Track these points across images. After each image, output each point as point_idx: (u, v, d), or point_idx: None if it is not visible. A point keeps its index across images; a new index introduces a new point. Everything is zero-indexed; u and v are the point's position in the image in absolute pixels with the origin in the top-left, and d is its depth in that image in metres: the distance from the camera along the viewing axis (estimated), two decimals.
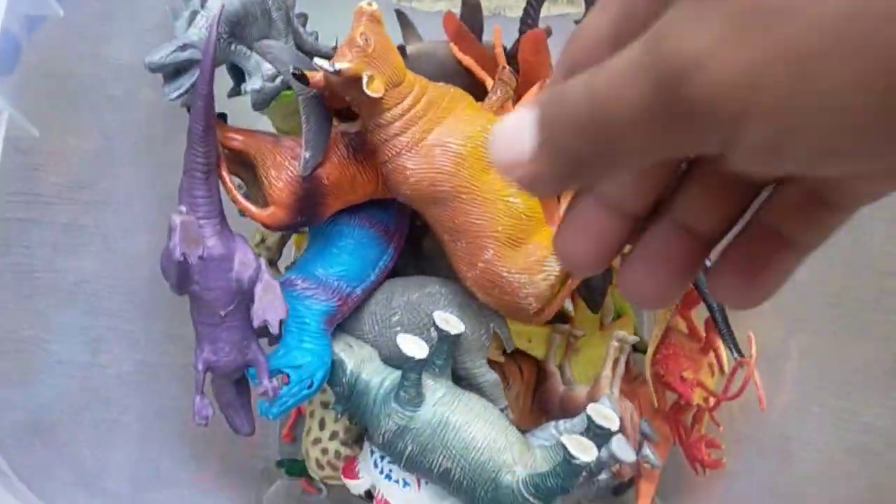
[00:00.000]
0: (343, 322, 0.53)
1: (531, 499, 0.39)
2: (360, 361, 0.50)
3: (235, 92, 0.51)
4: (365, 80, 0.44)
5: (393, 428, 0.38)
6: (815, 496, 0.46)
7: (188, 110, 0.48)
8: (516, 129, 0.19)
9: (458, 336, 0.48)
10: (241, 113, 0.51)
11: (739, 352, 0.50)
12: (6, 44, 0.31)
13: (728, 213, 0.20)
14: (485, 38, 0.54)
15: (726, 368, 0.52)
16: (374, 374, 0.46)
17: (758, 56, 0.14)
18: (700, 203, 0.20)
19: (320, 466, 0.60)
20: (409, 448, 0.38)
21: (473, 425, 0.40)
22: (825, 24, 0.14)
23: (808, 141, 0.15)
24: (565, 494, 0.42)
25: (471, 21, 0.52)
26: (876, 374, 0.46)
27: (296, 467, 0.66)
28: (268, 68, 0.49)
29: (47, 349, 0.44)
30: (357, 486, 0.57)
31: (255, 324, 0.44)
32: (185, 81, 0.45)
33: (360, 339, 0.53)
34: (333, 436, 0.60)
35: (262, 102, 0.50)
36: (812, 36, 0.14)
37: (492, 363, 0.54)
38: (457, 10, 0.54)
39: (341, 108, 0.51)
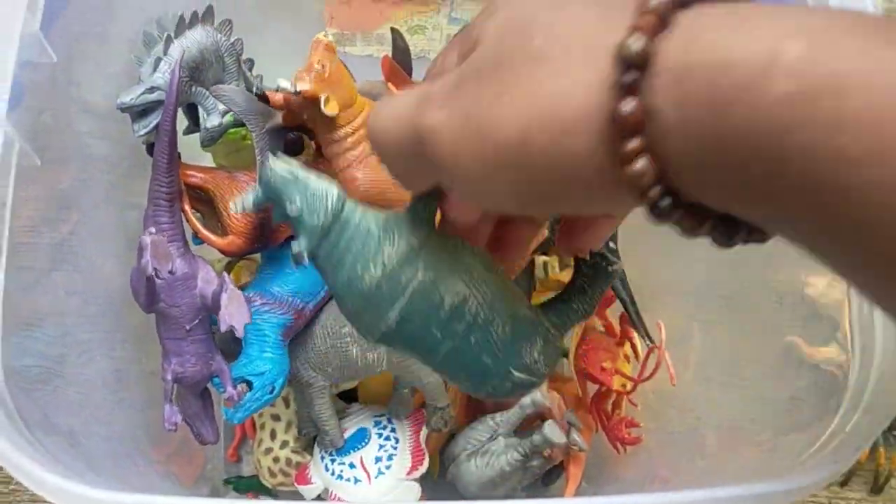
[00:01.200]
0: (296, 335, 0.58)
1: (552, 328, 0.35)
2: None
3: (191, 130, 0.57)
4: (322, 100, 0.50)
5: (402, 251, 0.30)
6: (721, 459, 0.53)
7: (147, 149, 0.53)
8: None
9: None
10: (186, 151, 0.56)
11: (651, 339, 0.57)
12: (15, 89, 0.37)
13: None
14: (414, 76, 0.61)
15: (640, 355, 0.59)
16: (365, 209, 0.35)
17: (462, 143, 0.23)
18: None
19: (273, 475, 0.65)
20: (419, 277, 0.30)
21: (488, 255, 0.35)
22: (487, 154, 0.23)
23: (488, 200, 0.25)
24: (584, 320, 0.40)
25: (401, 62, 0.60)
26: (767, 354, 0.53)
27: (243, 484, 0.70)
28: (222, 108, 0.55)
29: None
30: (310, 491, 0.62)
31: (222, 329, 0.49)
32: (153, 120, 0.50)
33: (312, 351, 0.58)
34: (284, 445, 0.65)
35: (212, 140, 0.56)
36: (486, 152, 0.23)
37: None
38: (386, 55, 0.61)
39: (296, 126, 0.57)
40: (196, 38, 0.53)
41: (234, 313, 0.49)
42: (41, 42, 0.41)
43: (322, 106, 0.49)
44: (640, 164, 0.20)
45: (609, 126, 0.20)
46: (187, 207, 0.53)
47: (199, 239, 0.56)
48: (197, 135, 0.56)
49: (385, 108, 0.27)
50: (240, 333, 0.50)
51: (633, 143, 0.20)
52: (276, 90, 0.51)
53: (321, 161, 0.56)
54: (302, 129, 0.57)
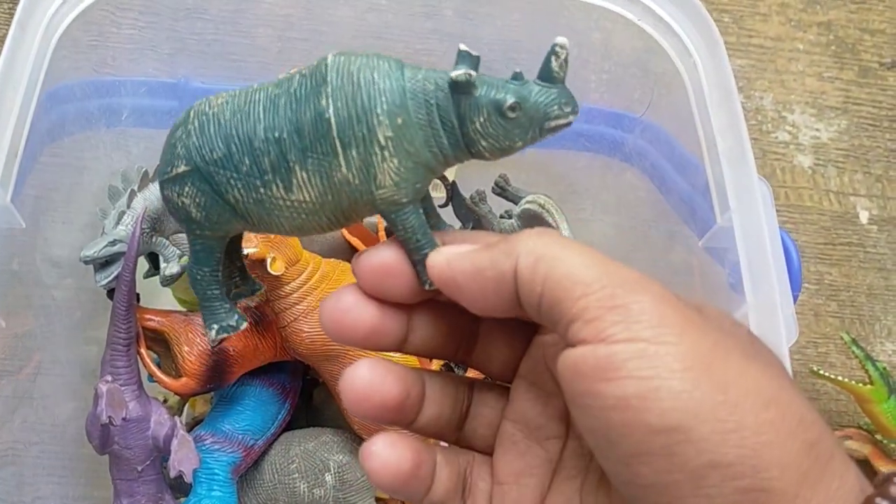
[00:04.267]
0: (245, 471, 0.60)
1: None
2: None
3: (152, 273, 0.60)
4: (269, 261, 0.53)
5: None
6: None
7: (107, 294, 0.56)
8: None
9: None
10: (147, 284, 0.59)
11: None
12: None
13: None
14: (369, 220, 0.65)
15: None
16: None
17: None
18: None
19: None
20: None
21: None
22: None
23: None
24: None
25: None
26: None
27: None
28: (180, 254, 0.58)
29: None
30: None
31: (172, 474, 0.51)
32: (114, 270, 0.53)
33: (260, 488, 0.60)
34: None
35: (172, 281, 0.59)
36: None
37: (380, 500, 0.62)
38: None
39: None
40: (158, 191, 0.57)
41: (183, 459, 0.51)
42: (12, 212, 0.44)
43: (268, 266, 0.53)
44: None
45: None
46: (143, 351, 0.56)
47: None
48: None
49: None
50: (188, 479, 0.52)
51: None
52: None
53: (265, 322, 0.59)
54: None
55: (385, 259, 0.29)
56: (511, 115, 0.28)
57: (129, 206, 0.55)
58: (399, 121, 0.28)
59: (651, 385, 0.22)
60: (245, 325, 0.35)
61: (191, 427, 0.65)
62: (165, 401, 0.68)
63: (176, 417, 0.54)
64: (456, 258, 0.28)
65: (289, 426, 0.63)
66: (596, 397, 0.23)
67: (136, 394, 0.54)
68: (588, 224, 0.67)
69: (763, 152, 0.84)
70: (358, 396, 0.29)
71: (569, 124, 0.28)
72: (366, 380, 0.29)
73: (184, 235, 0.58)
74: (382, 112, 0.28)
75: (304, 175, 0.29)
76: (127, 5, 0.56)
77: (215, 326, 0.34)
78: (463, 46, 0.28)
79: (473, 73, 0.27)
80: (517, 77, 0.28)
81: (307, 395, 0.67)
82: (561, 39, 0.28)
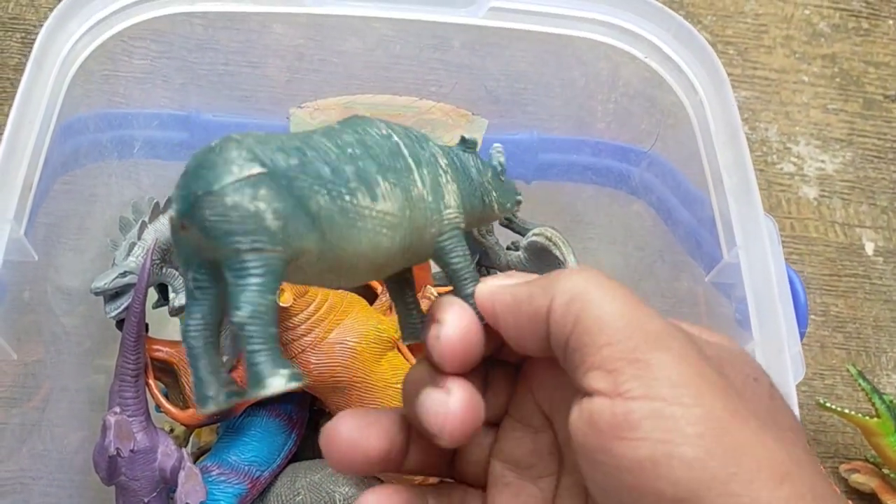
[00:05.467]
0: (251, 503, 0.60)
1: None
2: None
3: (161, 304, 0.60)
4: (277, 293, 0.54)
5: None
6: None
7: (117, 325, 0.56)
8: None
9: None
10: (156, 313, 0.59)
11: None
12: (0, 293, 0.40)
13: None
14: None
15: None
16: None
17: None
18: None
19: None
20: None
21: None
22: None
23: None
24: None
25: None
26: None
27: None
28: None
29: None
30: None
31: None
32: (124, 301, 0.54)
33: None
34: None
35: (180, 311, 0.59)
36: None
37: None
38: None
39: None
40: (168, 223, 0.57)
41: (190, 491, 0.51)
42: (25, 245, 0.44)
43: (277, 299, 0.53)
44: None
45: None
46: (151, 381, 0.56)
47: None
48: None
49: None
50: None
51: None
52: None
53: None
54: None
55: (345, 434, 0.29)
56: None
57: (139, 238, 0.55)
58: (446, 159, 0.30)
59: (665, 450, 0.22)
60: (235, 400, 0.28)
61: (197, 456, 0.65)
62: (171, 430, 0.68)
63: (183, 449, 0.54)
64: (499, 290, 0.28)
65: (295, 457, 0.63)
66: (611, 456, 0.23)
67: (143, 425, 0.54)
68: (594, 254, 0.68)
69: (768, 183, 0.84)
70: (340, 453, 0.29)
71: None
72: (344, 435, 0.29)
73: None
74: (434, 146, 0.30)
75: (388, 185, 0.28)
76: (139, 35, 0.56)
77: (200, 404, 0.27)
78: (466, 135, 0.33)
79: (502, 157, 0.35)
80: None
81: (313, 425, 0.67)
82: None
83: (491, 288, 0.28)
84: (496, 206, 0.31)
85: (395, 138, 0.29)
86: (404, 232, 0.28)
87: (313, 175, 0.26)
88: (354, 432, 0.29)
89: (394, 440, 0.29)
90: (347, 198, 0.26)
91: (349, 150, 0.27)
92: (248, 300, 0.25)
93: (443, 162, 0.30)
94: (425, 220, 0.29)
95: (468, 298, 0.29)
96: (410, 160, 0.28)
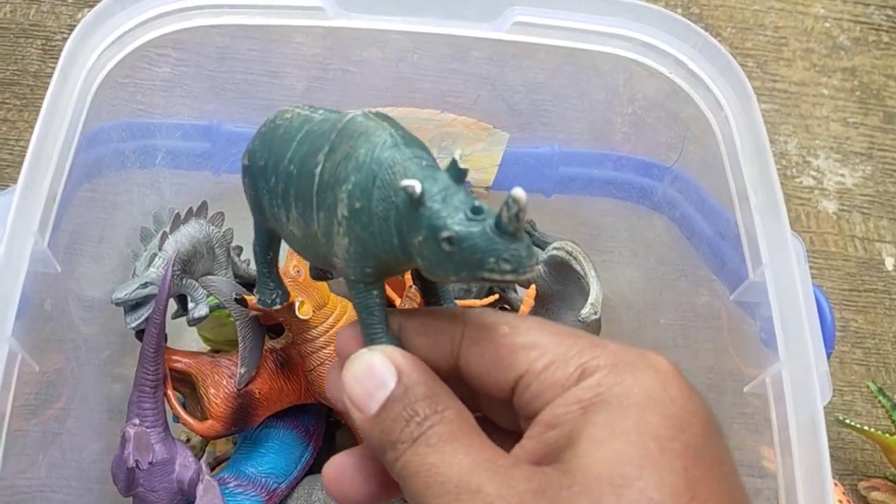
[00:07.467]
0: None
1: None
2: None
3: (180, 314, 0.60)
4: (297, 305, 0.53)
5: None
6: None
7: (136, 335, 0.56)
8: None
9: None
10: (174, 324, 0.59)
11: None
12: (23, 305, 0.40)
13: None
14: None
15: None
16: None
17: None
18: None
19: None
20: None
21: None
22: None
23: None
24: None
25: None
26: None
27: None
28: (209, 295, 0.58)
29: None
30: None
31: None
32: (144, 312, 0.53)
33: None
34: None
35: (199, 322, 0.59)
36: None
37: None
38: None
39: (272, 325, 0.61)
40: (189, 233, 0.57)
41: None
42: (49, 257, 0.44)
43: (296, 310, 0.53)
44: None
45: None
46: (170, 392, 0.56)
47: None
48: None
49: None
50: None
51: None
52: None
53: (291, 364, 0.59)
54: (276, 328, 0.60)
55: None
56: (446, 247, 0.24)
57: (160, 249, 0.55)
58: (357, 205, 0.27)
59: None
60: (277, 306, 0.38)
61: (213, 467, 0.65)
62: (188, 440, 0.68)
63: (201, 461, 0.54)
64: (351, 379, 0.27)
65: (312, 470, 0.63)
66: None
67: (161, 436, 0.54)
68: (615, 268, 0.67)
69: (788, 197, 0.83)
70: (335, 493, 0.30)
71: (507, 281, 0.25)
72: (334, 479, 0.30)
73: (213, 277, 0.59)
74: (346, 191, 0.27)
75: (296, 214, 0.30)
76: (162, 46, 0.56)
77: (257, 296, 0.38)
78: (456, 155, 0.26)
79: (419, 189, 0.25)
80: (478, 210, 0.25)
81: (330, 437, 0.67)
82: (516, 192, 0.23)
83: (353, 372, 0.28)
84: (425, 272, 0.26)
85: (316, 172, 0.28)
86: (311, 257, 0.32)
87: (265, 181, 0.32)
88: (345, 475, 0.30)
89: (380, 481, 0.30)
90: (276, 210, 0.32)
91: (290, 168, 0.30)
92: (254, 240, 0.38)
93: (341, 213, 0.27)
94: (325, 254, 0.29)
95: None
96: (315, 198, 0.29)
